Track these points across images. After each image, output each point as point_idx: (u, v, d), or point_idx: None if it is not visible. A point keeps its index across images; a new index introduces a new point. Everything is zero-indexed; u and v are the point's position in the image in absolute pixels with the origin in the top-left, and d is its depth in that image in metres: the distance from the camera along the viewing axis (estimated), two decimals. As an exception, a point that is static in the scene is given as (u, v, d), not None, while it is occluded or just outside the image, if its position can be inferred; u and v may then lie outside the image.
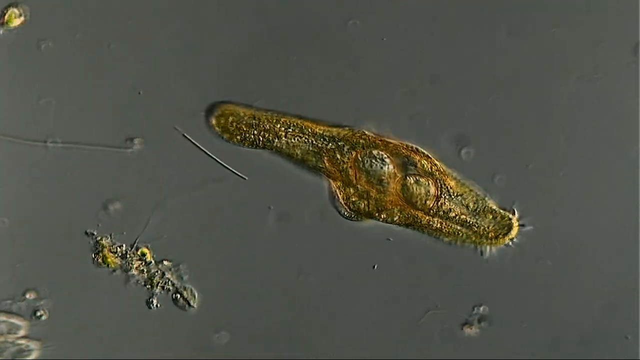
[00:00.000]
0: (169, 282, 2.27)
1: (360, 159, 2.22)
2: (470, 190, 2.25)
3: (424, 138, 2.25)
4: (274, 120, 2.25)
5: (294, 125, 2.25)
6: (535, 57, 2.28)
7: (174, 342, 2.27)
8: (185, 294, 2.27)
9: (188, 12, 2.28)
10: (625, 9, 2.27)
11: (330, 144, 2.24)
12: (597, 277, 2.28)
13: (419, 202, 2.21)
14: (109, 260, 2.26)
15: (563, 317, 2.29)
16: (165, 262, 2.28)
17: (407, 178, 2.21)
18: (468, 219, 2.23)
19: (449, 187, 2.23)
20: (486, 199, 2.24)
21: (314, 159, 2.24)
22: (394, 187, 2.21)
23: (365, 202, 2.22)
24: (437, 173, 2.23)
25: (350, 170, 2.22)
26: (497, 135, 2.29)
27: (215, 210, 2.28)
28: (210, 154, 2.24)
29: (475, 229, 2.23)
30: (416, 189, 2.21)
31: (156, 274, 2.27)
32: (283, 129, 2.24)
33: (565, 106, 2.28)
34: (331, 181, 2.23)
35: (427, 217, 2.22)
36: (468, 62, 2.28)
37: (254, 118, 2.24)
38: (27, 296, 2.26)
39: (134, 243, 2.27)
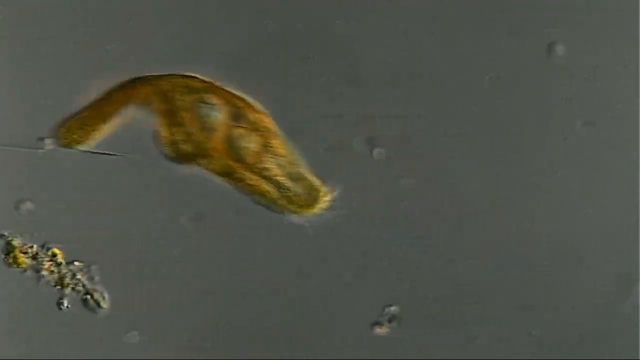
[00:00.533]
0: (80, 283, 2.27)
1: (193, 102, 2.21)
2: (292, 155, 2.25)
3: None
4: None
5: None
6: (535, 57, 2.29)
7: (85, 342, 2.27)
8: (95, 295, 2.26)
9: (187, 12, 2.30)
10: (625, 9, 2.29)
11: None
12: (597, 277, 2.29)
13: (239, 156, 2.20)
14: (19, 260, 2.26)
15: (563, 317, 2.30)
16: (76, 263, 2.27)
17: (235, 130, 2.20)
18: (282, 182, 2.23)
19: (272, 146, 2.23)
20: (303, 166, 2.25)
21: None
22: (220, 136, 2.20)
23: (188, 146, 2.21)
24: (264, 130, 2.22)
25: (181, 112, 2.21)
26: (497, 135, 2.30)
27: (126, 211, 2.28)
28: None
29: (287, 193, 2.23)
30: (240, 142, 2.21)
31: (67, 274, 2.27)
32: None
33: (565, 107, 2.30)
34: (158, 119, 2.22)
35: (244, 172, 2.21)
36: (468, 61, 2.29)
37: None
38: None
39: (45, 244, 2.26)
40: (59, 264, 2.27)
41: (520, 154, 2.30)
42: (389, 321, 2.27)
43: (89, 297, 2.27)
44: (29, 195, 2.27)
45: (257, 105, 2.25)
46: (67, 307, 2.26)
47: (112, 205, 2.27)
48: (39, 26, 2.27)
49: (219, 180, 2.23)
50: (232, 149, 2.21)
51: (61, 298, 2.26)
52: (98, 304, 2.26)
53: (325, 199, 2.24)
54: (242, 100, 2.24)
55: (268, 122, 2.24)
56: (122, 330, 2.27)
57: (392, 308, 2.28)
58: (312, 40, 2.28)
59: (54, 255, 2.26)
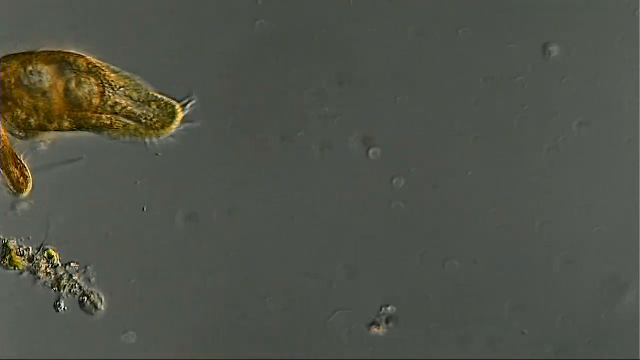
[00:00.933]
0: (76, 284, 2.27)
1: (17, 77, 2.18)
2: (132, 81, 2.23)
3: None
4: None
5: None
6: (535, 56, 2.27)
7: (82, 343, 2.27)
8: (92, 296, 2.26)
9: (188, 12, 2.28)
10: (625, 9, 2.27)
11: None
12: (597, 277, 2.29)
13: (85, 103, 2.18)
14: (16, 262, 2.25)
15: (563, 317, 2.30)
16: (72, 264, 2.27)
17: (68, 82, 2.19)
18: (135, 110, 2.22)
19: (110, 81, 2.22)
20: (148, 88, 2.23)
21: None
22: (58, 94, 2.19)
23: (35, 117, 2.20)
24: (95, 69, 2.21)
25: (13, 90, 2.19)
26: (496, 135, 2.29)
27: (120, 210, 2.28)
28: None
29: (143, 120, 2.21)
30: (79, 91, 2.19)
31: (63, 276, 2.26)
32: None
33: (565, 106, 2.28)
34: None
35: (95, 115, 2.20)
36: (468, 62, 2.28)
37: None
38: None
39: (41, 245, 2.26)
40: (55, 266, 2.26)
41: (520, 154, 2.29)
42: (386, 321, 2.28)
43: (85, 298, 2.27)
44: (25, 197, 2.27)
45: (75, 50, 2.22)
46: (64, 309, 2.26)
47: (106, 204, 2.27)
48: None
49: (78, 134, 2.22)
50: (75, 100, 2.19)
51: (58, 300, 2.26)
52: (95, 306, 2.26)
53: (181, 113, 2.23)
54: (61, 52, 2.21)
55: (93, 61, 2.22)
56: (120, 330, 2.27)
57: (389, 308, 2.28)
58: (309, 40, 2.26)
59: (50, 256, 2.26)
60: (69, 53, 2.22)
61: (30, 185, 2.24)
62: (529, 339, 2.28)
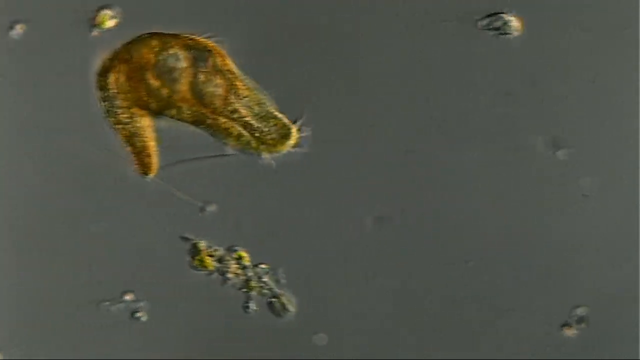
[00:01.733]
0: (266, 286, 2.27)
1: (155, 56, 2.20)
2: (257, 95, 2.23)
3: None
4: None
5: None
6: (534, 56, 2.26)
7: (272, 345, 2.27)
8: (282, 298, 2.26)
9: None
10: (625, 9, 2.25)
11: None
12: (597, 277, 2.28)
13: (207, 100, 2.18)
14: (206, 263, 2.26)
15: (562, 318, 2.28)
16: (262, 266, 2.27)
17: (198, 75, 2.19)
18: (253, 123, 2.21)
19: (237, 88, 2.21)
20: (270, 105, 2.23)
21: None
22: (185, 83, 2.19)
23: (156, 100, 2.20)
24: (226, 72, 2.20)
25: (144, 70, 2.20)
26: (498, 136, 2.27)
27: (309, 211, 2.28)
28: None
29: (257, 134, 2.21)
30: (205, 87, 2.19)
31: (253, 277, 2.27)
32: None
33: (565, 105, 2.27)
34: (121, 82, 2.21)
35: (214, 116, 2.20)
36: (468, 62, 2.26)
37: None
38: (126, 298, 2.27)
39: (230, 246, 2.26)
40: (245, 267, 2.26)
41: (521, 154, 2.27)
42: (578, 322, 2.27)
43: (275, 300, 2.27)
44: (213, 197, 2.27)
45: (219, 47, 2.22)
46: (254, 310, 2.26)
47: (294, 206, 2.27)
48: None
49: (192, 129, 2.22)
50: (199, 94, 2.19)
51: (247, 301, 2.27)
52: (285, 308, 2.26)
53: (295, 136, 2.22)
54: (203, 44, 2.21)
55: (230, 64, 2.22)
56: (310, 332, 2.27)
57: (580, 310, 2.27)
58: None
59: (240, 257, 2.26)
60: (210, 47, 2.22)
61: (154, 168, 2.24)
62: (530, 339, 2.27)
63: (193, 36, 2.23)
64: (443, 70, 2.26)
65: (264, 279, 2.26)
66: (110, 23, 2.27)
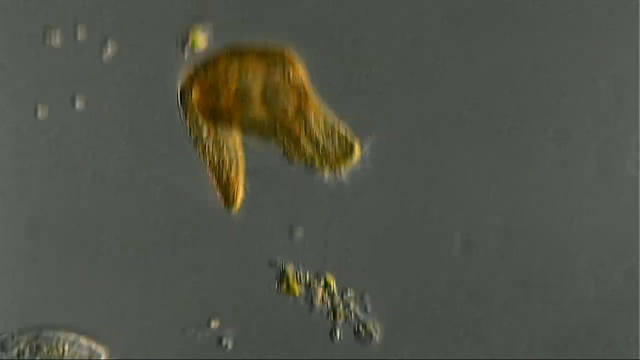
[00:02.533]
0: (353, 313, 2.24)
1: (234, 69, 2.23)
2: (326, 111, 2.22)
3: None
4: None
5: None
6: (534, 57, 2.25)
7: (356, 372, 2.25)
8: (368, 326, 2.24)
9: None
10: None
11: None
12: (597, 277, 2.26)
13: (280, 110, 2.20)
14: (293, 288, 2.24)
15: (562, 318, 2.26)
16: (349, 293, 2.25)
17: (272, 85, 2.22)
18: (319, 137, 2.21)
19: (309, 103, 2.21)
20: (336, 121, 2.22)
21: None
22: (258, 90, 2.22)
23: (233, 110, 2.23)
24: (300, 86, 2.21)
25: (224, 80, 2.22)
26: (497, 135, 2.26)
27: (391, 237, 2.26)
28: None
29: (323, 150, 2.21)
30: (279, 97, 2.21)
31: (340, 304, 2.24)
32: None
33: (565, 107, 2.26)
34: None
35: (286, 125, 2.21)
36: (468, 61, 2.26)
37: None
38: (212, 324, 2.25)
39: (318, 272, 2.24)
40: (332, 294, 2.24)
41: (521, 155, 2.26)
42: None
43: (361, 327, 2.24)
44: (301, 221, 2.25)
45: (294, 59, 2.22)
46: (340, 338, 2.24)
47: (378, 231, 2.25)
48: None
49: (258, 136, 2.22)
50: (271, 102, 2.20)
51: (334, 328, 2.24)
52: (371, 335, 2.24)
53: (358, 154, 2.21)
54: (281, 55, 2.22)
55: (303, 76, 2.22)
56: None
57: None
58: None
59: (328, 284, 2.24)
60: (286, 58, 2.22)
61: (239, 201, 2.24)
62: (529, 339, 2.25)
63: (271, 46, 2.23)
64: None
65: (350, 306, 2.24)
66: (202, 44, 2.27)
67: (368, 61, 2.26)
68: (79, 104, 2.26)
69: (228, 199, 2.25)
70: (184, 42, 2.26)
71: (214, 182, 2.25)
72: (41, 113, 2.27)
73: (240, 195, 2.25)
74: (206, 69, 2.25)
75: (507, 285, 2.26)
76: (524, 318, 2.26)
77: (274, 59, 2.22)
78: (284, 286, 2.24)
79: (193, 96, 2.24)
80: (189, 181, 2.26)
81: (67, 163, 2.27)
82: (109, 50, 2.26)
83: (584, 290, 2.26)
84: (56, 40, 2.26)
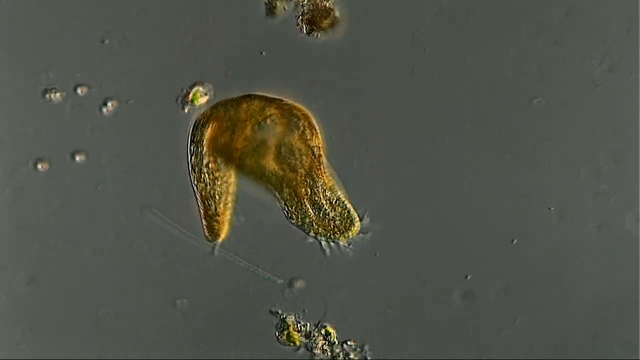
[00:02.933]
0: (352, 362, 2.30)
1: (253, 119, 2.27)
2: (333, 178, 2.28)
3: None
4: None
5: None
6: (533, 56, 2.28)
7: (355, 422, 2.29)
8: (368, 374, 2.29)
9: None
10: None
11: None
12: (597, 278, 2.29)
13: (291, 167, 2.25)
14: (293, 338, 2.28)
15: (563, 318, 2.30)
16: (349, 343, 2.30)
17: (288, 141, 2.26)
18: (321, 203, 2.26)
19: (319, 169, 2.26)
20: (342, 192, 2.27)
21: None
22: (273, 146, 2.26)
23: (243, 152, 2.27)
24: (315, 147, 2.26)
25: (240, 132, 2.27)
26: (496, 136, 2.29)
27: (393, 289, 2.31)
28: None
29: (321, 216, 2.26)
30: (292, 154, 2.26)
31: (340, 354, 2.29)
32: None
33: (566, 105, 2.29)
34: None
35: (297, 180, 2.26)
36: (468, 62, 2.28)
37: None
38: (211, 372, 2.29)
39: (319, 322, 2.29)
40: (332, 344, 2.29)
41: (521, 155, 2.29)
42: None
43: (361, 376, 2.29)
44: (300, 273, 2.30)
45: (311, 119, 2.28)
46: (339, 386, 2.29)
47: (381, 284, 2.31)
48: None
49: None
50: (284, 159, 2.25)
51: (334, 377, 2.29)
52: (370, 384, 2.29)
53: (357, 228, 2.27)
54: (298, 111, 2.27)
55: (322, 145, 2.27)
56: (393, 410, 2.30)
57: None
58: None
59: (328, 334, 2.28)
60: (310, 121, 2.28)
61: (224, 235, 2.28)
62: (529, 340, 2.29)
63: (290, 104, 2.28)
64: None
65: (350, 356, 2.29)
66: (202, 100, 2.32)
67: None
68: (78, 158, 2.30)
69: (212, 231, 2.29)
70: (185, 98, 2.31)
71: (202, 211, 2.29)
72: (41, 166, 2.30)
73: (225, 229, 2.28)
74: (227, 107, 2.29)
75: (506, 285, 2.30)
76: (524, 318, 2.29)
77: (297, 116, 2.27)
78: (284, 335, 2.27)
79: (207, 130, 2.27)
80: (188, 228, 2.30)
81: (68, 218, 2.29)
82: (110, 106, 2.30)
83: (583, 290, 2.29)
84: (56, 96, 2.30)
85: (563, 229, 2.28)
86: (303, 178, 2.26)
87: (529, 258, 2.29)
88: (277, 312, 2.28)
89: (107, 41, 2.29)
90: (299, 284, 2.29)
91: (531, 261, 2.29)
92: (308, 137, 2.26)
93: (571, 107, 2.29)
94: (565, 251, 2.29)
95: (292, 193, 2.27)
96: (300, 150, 2.26)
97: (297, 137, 2.25)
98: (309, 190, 2.26)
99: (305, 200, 2.26)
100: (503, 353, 2.30)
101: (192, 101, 2.31)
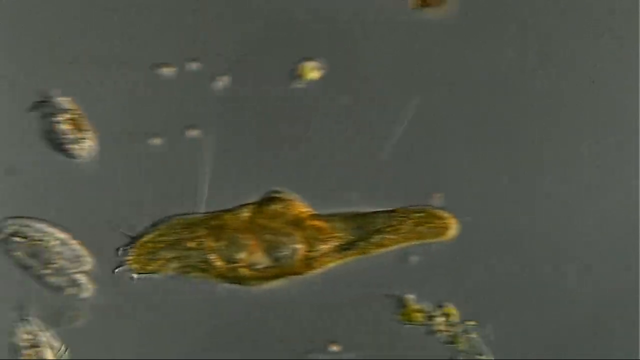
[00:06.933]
0: (473, 342, 2.22)
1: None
2: None
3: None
4: None
5: None
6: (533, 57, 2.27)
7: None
8: (488, 356, 2.22)
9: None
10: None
11: None
12: (597, 278, 2.26)
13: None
14: (413, 317, 2.22)
15: (563, 318, 2.26)
16: (470, 322, 2.23)
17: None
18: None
19: None
20: None
21: None
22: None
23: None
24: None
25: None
26: (497, 136, 2.27)
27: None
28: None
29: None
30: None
31: (460, 334, 2.22)
32: None
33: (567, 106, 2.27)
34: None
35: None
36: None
37: None
38: (332, 348, 2.25)
39: (440, 302, 2.23)
40: (452, 323, 2.22)
41: (521, 154, 2.27)
42: None
43: (480, 357, 2.22)
44: (416, 249, 2.25)
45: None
46: (457, 365, 2.22)
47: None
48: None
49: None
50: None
51: (453, 357, 2.23)
52: (488, 365, 2.22)
53: None
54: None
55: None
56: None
57: None
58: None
59: (449, 314, 2.22)
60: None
61: None
62: (529, 339, 2.24)
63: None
64: None
65: (471, 336, 2.22)
66: (312, 74, 2.29)
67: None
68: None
69: None
70: (294, 73, 2.29)
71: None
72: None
73: None
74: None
75: (506, 284, 2.26)
76: (524, 317, 2.26)
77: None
78: (405, 314, 2.22)
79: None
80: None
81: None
82: (221, 82, 2.29)
83: (583, 290, 2.27)
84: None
85: (563, 227, 2.27)
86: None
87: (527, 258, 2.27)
88: (394, 295, 2.23)
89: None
90: (413, 258, 2.23)
91: (530, 260, 2.27)
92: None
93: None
94: (566, 250, 2.27)
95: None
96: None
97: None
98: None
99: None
100: (502, 353, 2.26)
101: (302, 76, 2.29)
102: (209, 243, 2.22)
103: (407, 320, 2.22)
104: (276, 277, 2.22)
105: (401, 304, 2.23)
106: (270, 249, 2.20)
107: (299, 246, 2.21)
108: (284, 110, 2.29)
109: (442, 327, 2.22)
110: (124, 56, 2.28)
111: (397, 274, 2.24)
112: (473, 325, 2.23)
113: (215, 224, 2.22)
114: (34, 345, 2.23)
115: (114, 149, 2.27)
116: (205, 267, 2.22)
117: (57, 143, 2.26)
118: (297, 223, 2.22)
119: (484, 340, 2.22)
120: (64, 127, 2.25)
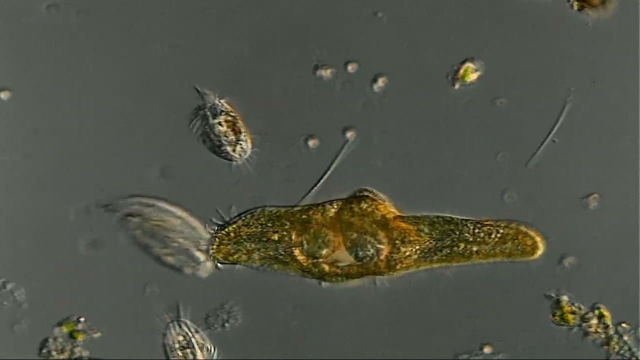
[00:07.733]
0: (626, 346, 2.28)
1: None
2: None
3: None
4: None
5: None
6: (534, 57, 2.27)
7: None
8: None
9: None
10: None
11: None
12: (597, 278, 2.27)
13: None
14: (567, 318, 2.27)
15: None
16: (624, 325, 2.29)
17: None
18: None
19: None
20: None
21: None
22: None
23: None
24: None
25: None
26: (496, 136, 2.27)
27: None
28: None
29: None
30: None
31: (614, 336, 2.28)
32: None
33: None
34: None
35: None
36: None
37: None
38: (485, 351, 2.31)
39: (595, 304, 2.28)
40: (606, 326, 2.28)
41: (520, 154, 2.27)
42: None
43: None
44: (572, 249, 2.28)
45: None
46: (612, 368, 2.29)
47: None
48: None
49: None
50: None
51: (608, 358, 2.29)
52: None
53: None
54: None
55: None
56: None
57: None
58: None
59: (602, 315, 2.28)
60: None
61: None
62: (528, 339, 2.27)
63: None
64: None
65: (624, 338, 2.28)
66: (473, 76, 2.27)
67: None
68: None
69: None
70: (455, 74, 2.27)
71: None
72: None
73: None
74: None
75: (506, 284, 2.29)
76: (523, 317, 2.29)
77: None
78: (559, 316, 2.27)
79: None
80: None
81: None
82: (380, 82, 2.28)
83: (582, 289, 2.28)
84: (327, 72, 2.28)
85: (563, 228, 2.27)
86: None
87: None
88: (551, 296, 2.27)
89: (379, 14, 2.26)
90: (569, 260, 2.27)
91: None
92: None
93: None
94: (565, 250, 2.27)
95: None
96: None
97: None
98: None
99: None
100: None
101: (463, 77, 2.27)
102: (293, 237, 2.25)
103: (561, 322, 2.28)
104: (357, 275, 2.25)
105: (556, 305, 2.28)
106: (354, 247, 2.23)
107: (383, 246, 2.23)
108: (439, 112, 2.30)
109: (595, 329, 2.28)
110: (284, 58, 2.27)
111: (551, 274, 2.28)
112: (626, 327, 2.28)
113: (300, 217, 2.25)
114: (186, 347, 2.30)
115: (269, 151, 2.29)
116: (288, 261, 2.26)
117: (215, 144, 2.28)
118: (384, 223, 2.24)
119: (638, 343, 2.28)
120: (222, 128, 2.26)
